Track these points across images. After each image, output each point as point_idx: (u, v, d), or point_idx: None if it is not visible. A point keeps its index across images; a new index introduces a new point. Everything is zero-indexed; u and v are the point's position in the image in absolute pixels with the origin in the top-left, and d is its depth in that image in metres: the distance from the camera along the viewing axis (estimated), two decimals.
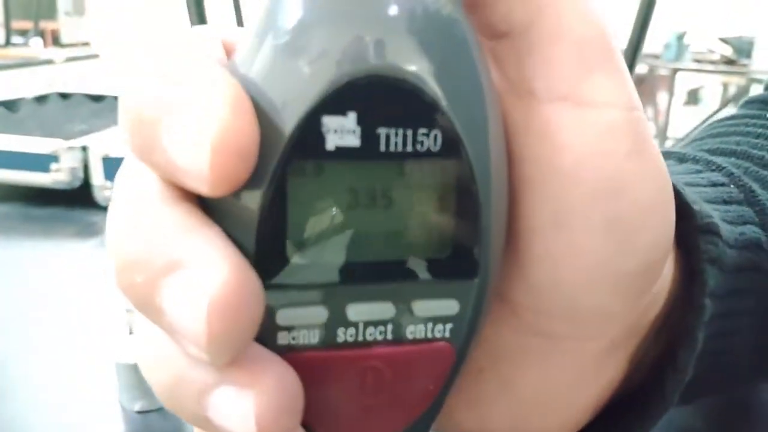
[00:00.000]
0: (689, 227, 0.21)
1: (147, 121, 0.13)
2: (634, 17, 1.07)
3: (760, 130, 0.33)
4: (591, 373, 0.19)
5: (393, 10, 0.13)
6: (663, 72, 4.06)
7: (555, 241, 0.16)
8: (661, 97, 4.14)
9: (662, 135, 3.83)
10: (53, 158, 0.68)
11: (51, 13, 4.77)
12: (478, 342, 0.16)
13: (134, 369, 0.35)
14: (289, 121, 0.12)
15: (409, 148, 0.13)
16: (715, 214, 0.22)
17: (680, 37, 3.91)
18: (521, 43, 0.15)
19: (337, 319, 0.14)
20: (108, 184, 0.68)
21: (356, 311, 0.14)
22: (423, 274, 0.14)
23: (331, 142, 0.13)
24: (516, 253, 0.16)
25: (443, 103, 0.13)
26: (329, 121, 0.13)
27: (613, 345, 0.19)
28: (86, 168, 0.69)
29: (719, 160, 0.30)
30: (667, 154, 0.29)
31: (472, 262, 0.15)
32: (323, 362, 0.14)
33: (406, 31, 0.13)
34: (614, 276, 0.16)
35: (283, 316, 0.14)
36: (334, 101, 0.12)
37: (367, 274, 0.14)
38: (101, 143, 0.69)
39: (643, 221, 0.16)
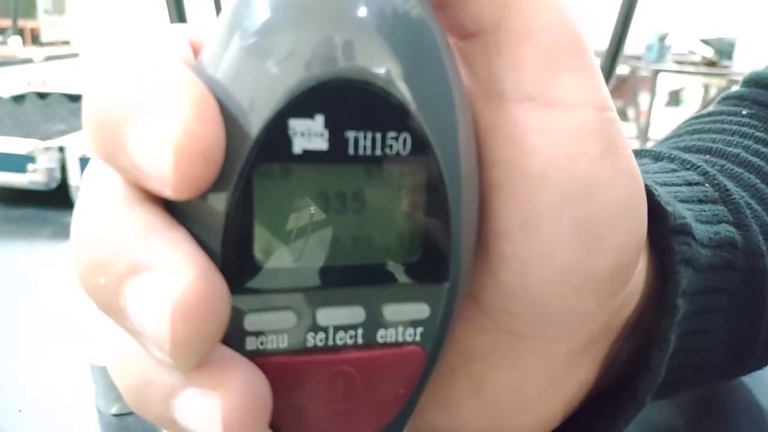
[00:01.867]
0: (662, 228, 0.20)
1: (110, 124, 0.12)
2: (615, 17, 1.07)
3: (735, 128, 0.34)
4: (563, 373, 0.19)
5: (362, 11, 0.12)
6: (644, 73, 4.09)
7: (524, 243, 0.15)
8: (643, 98, 4.18)
9: (644, 136, 3.87)
10: (30, 159, 0.67)
11: (30, 11, 4.72)
12: (449, 343, 0.16)
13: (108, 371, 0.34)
14: (255, 124, 0.12)
15: (378, 152, 0.13)
16: (689, 214, 0.22)
17: (662, 39, 3.95)
18: (490, 44, 0.15)
19: (306, 323, 0.14)
20: None
21: (326, 316, 0.14)
22: (393, 278, 0.14)
23: (299, 146, 0.12)
24: (486, 255, 0.16)
25: (412, 106, 0.13)
26: (296, 124, 0.12)
27: (584, 345, 0.19)
28: (63, 168, 0.68)
29: (695, 158, 0.30)
30: (642, 153, 0.29)
31: (443, 265, 0.14)
32: (292, 367, 0.14)
33: (374, 32, 0.12)
34: (584, 278, 0.16)
35: (251, 321, 0.13)
36: (302, 104, 0.12)
37: (337, 278, 0.14)
38: (78, 143, 0.68)
39: (614, 224, 0.16)
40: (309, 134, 0.12)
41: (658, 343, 0.20)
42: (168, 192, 0.12)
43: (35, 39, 4.75)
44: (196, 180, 0.12)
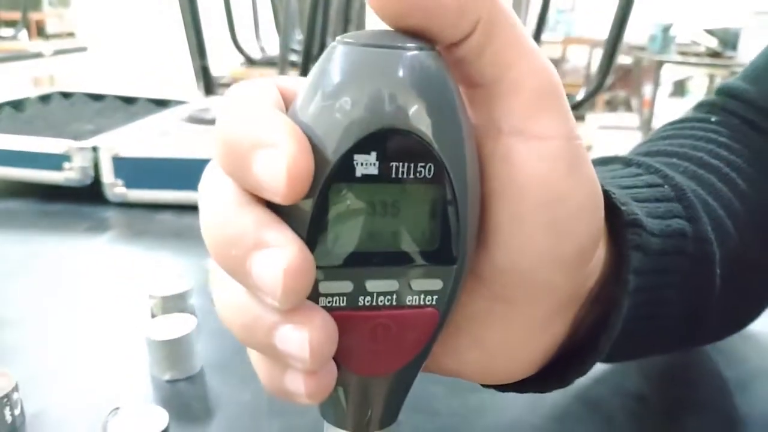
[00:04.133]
0: (617, 222, 0.26)
1: (239, 153, 0.18)
2: (615, 7, 1.10)
3: (701, 133, 0.39)
4: (541, 330, 0.25)
5: (402, 75, 0.18)
6: (648, 64, 4.10)
7: (512, 235, 0.21)
8: (647, 88, 4.19)
9: (647, 126, 3.88)
10: (66, 158, 0.71)
11: (35, 3, 4.75)
12: (456, 307, 0.22)
13: (164, 344, 0.39)
14: (333, 156, 0.18)
15: (411, 176, 0.19)
16: (644, 210, 0.28)
17: (666, 29, 3.95)
18: (491, 93, 0.20)
19: (359, 290, 0.19)
20: (118, 182, 0.72)
21: (372, 285, 0.20)
22: (418, 261, 0.20)
23: (359, 171, 0.18)
24: (485, 243, 0.22)
25: (435, 145, 0.18)
26: (358, 158, 0.18)
27: (557, 309, 0.25)
28: (96, 167, 0.73)
29: (662, 161, 0.35)
30: (615, 159, 0.34)
31: (452, 253, 0.20)
32: (349, 319, 0.20)
33: (410, 90, 0.18)
34: (556, 259, 0.22)
35: (323, 287, 0.19)
36: (363, 144, 0.18)
37: (380, 260, 0.19)
38: (111, 144, 0.73)
39: (578, 221, 0.21)
40: (366, 164, 0.18)
41: (614, 307, 0.26)
42: (277, 199, 0.17)
43: (40, 31, 4.78)
44: (297, 193, 0.17)
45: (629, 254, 0.26)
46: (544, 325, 0.25)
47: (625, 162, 0.33)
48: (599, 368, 0.41)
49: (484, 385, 0.28)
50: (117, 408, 0.34)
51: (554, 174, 0.20)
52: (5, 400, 0.35)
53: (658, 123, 3.99)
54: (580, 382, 0.39)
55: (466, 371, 0.25)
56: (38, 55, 3.50)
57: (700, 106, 0.43)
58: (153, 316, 0.46)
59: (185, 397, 0.38)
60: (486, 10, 0.18)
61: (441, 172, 0.19)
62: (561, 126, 0.20)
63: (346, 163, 0.18)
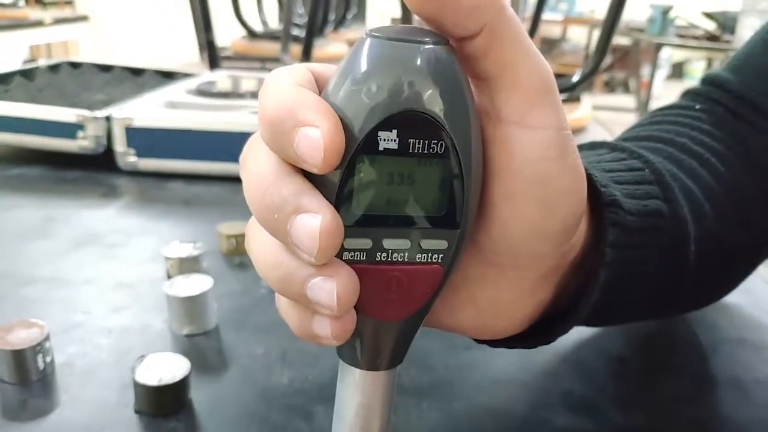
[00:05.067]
0: (598, 202, 0.30)
1: (282, 131, 0.21)
2: None
3: (686, 120, 0.42)
4: (528, 294, 0.28)
5: (420, 63, 0.21)
6: (647, 46, 4.10)
7: (506, 210, 0.24)
8: (646, 70, 4.19)
9: (644, 108, 3.90)
10: (80, 127, 0.73)
11: None
12: (457, 268, 0.24)
13: (183, 301, 0.41)
14: (360, 133, 0.21)
15: (425, 151, 0.21)
16: (622, 192, 0.31)
17: (665, 12, 3.93)
18: (494, 87, 0.23)
19: (377, 247, 0.22)
20: (130, 151, 0.74)
21: (388, 243, 0.22)
22: (427, 224, 0.23)
23: (381, 146, 0.21)
24: (483, 216, 0.25)
25: (446, 125, 0.21)
26: (382, 134, 0.21)
27: (543, 275, 0.28)
28: (109, 136, 0.75)
29: (647, 146, 0.39)
30: (603, 144, 0.37)
31: (457, 219, 0.23)
32: (368, 271, 0.23)
33: (426, 77, 0.21)
34: (543, 232, 0.25)
35: (346, 243, 0.22)
36: (385, 123, 0.21)
37: (396, 222, 0.22)
38: (123, 114, 0.75)
39: (563, 200, 0.25)
40: (388, 140, 0.21)
41: (592, 276, 0.29)
42: (315, 170, 0.20)
43: None
44: (332, 165, 0.20)
45: (607, 230, 0.29)
46: (531, 290, 0.28)
47: (611, 147, 0.37)
48: (584, 332, 0.45)
49: (477, 341, 0.31)
50: (143, 356, 0.37)
51: (545, 159, 0.23)
52: (38, 348, 0.38)
53: (655, 105, 4.00)
54: (567, 344, 0.43)
55: (461, 326, 0.29)
56: (38, 23, 3.49)
57: (687, 94, 0.46)
58: (169, 276, 0.49)
59: (203, 350, 0.42)
60: (492, 17, 0.21)
61: (450, 149, 0.22)
62: (553, 118, 0.23)
63: (371, 139, 0.21)
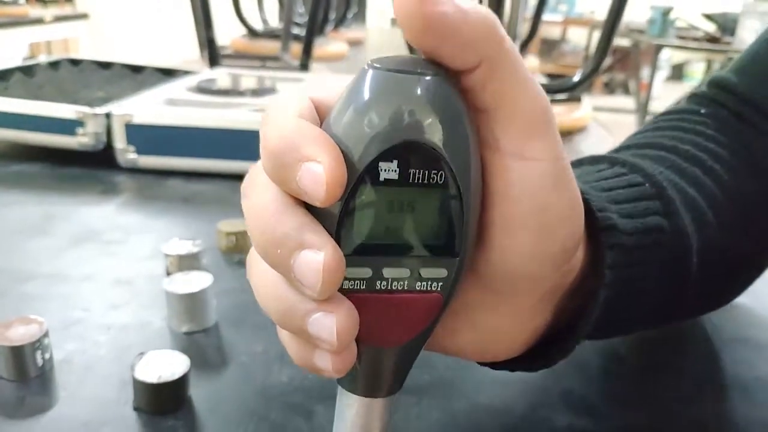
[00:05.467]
0: (595, 225, 0.30)
1: (285, 164, 0.21)
2: None
3: (690, 126, 0.42)
4: (528, 318, 0.29)
5: (422, 94, 0.21)
6: (647, 47, 4.09)
7: (505, 237, 0.24)
8: (646, 71, 4.19)
9: (644, 109, 3.90)
10: (79, 123, 0.73)
11: None
12: (457, 295, 0.24)
13: (182, 298, 0.41)
14: (361, 164, 0.21)
15: (425, 181, 0.22)
16: (619, 212, 0.31)
17: (665, 13, 3.93)
18: (492, 118, 0.23)
19: (377, 275, 0.23)
20: (129, 148, 0.74)
21: (388, 272, 0.23)
22: (427, 253, 0.23)
23: (382, 176, 0.21)
24: (482, 243, 0.25)
25: (446, 156, 0.21)
26: (382, 165, 0.21)
27: (542, 300, 0.28)
28: (109, 133, 0.75)
29: (651, 153, 0.39)
30: (603, 158, 0.37)
31: (456, 248, 0.23)
32: (367, 300, 0.23)
33: (428, 109, 0.21)
34: (541, 257, 0.25)
35: (347, 272, 0.22)
36: (386, 154, 0.21)
37: (396, 250, 0.22)
38: (123, 111, 0.75)
39: (561, 226, 0.25)
40: (388, 170, 0.21)
41: (591, 298, 0.30)
42: (317, 203, 0.21)
43: None
44: (334, 199, 0.20)
45: (605, 253, 0.30)
46: (531, 313, 0.29)
47: (611, 161, 0.37)
48: None
49: (480, 363, 0.32)
50: (142, 353, 0.37)
51: (542, 189, 0.24)
52: (37, 344, 0.38)
53: (654, 106, 4.00)
54: None
55: (463, 351, 0.29)
56: (39, 21, 3.48)
57: (692, 97, 0.45)
58: (168, 273, 0.49)
59: (202, 347, 0.42)
60: (490, 50, 0.21)
61: (450, 179, 0.22)
62: (550, 149, 0.24)
63: (372, 169, 0.21)
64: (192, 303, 0.42)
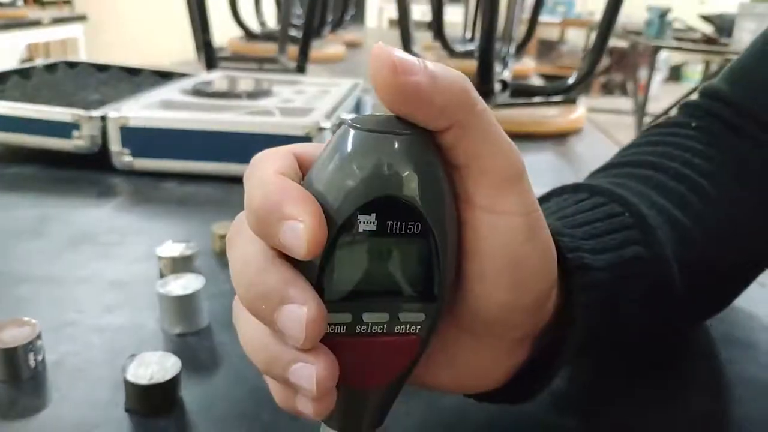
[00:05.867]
0: (567, 267, 0.30)
1: (268, 223, 0.22)
2: None
3: (680, 140, 0.42)
4: (504, 356, 0.30)
5: (400, 153, 0.22)
6: (644, 48, 4.10)
7: (479, 288, 0.26)
8: (643, 72, 4.20)
9: (641, 110, 3.90)
10: (75, 126, 0.73)
11: None
12: (435, 336, 0.25)
13: (175, 300, 0.41)
14: (340, 217, 0.22)
15: (403, 231, 0.23)
16: (593, 247, 0.32)
17: (662, 15, 3.94)
18: (464, 174, 0.24)
19: (357, 320, 0.23)
20: (125, 150, 0.74)
21: (368, 317, 0.24)
22: (406, 298, 0.24)
23: (361, 227, 0.22)
24: (459, 288, 0.26)
25: (423, 209, 0.22)
26: (361, 217, 0.22)
27: (518, 340, 0.29)
28: (104, 135, 0.75)
29: (638, 173, 0.39)
30: (582, 188, 0.38)
31: (434, 293, 0.24)
32: (347, 344, 0.24)
33: (403, 168, 0.22)
34: (515, 305, 0.26)
35: (328, 318, 0.22)
36: (365, 207, 0.22)
37: (375, 297, 0.23)
38: (119, 113, 0.75)
39: (533, 278, 0.26)
40: (367, 222, 0.22)
41: (564, 341, 0.30)
42: (299, 257, 0.22)
43: None
44: (315, 253, 0.21)
45: (577, 293, 0.30)
46: (507, 352, 0.30)
47: (591, 191, 0.37)
48: None
49: (464, 395, 0.33)
50: (134, 354, 0.37)
51: (514, 242, 0.25)
52: (29, 346, 0.38)
53: (652, 107, 4.01)
54: None
55: (442, 386, 0.30)
56: (36, 23, 3.49)
57: (685, 108, 0.45)
58: (162, 275, 0.50)
59: (194, 349, 0.42)
60: (461, 115, 0.23)
61: (426, 230, 0.23)
62: (521, 203, 0.24)
63: (351, 222, 0.22)
64: (184, 305, 0.42)
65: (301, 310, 0.22)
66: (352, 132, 0.23)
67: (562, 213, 0.35)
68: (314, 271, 0.23)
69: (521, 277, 0.25)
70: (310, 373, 0.22)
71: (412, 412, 0.37)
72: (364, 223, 0.22)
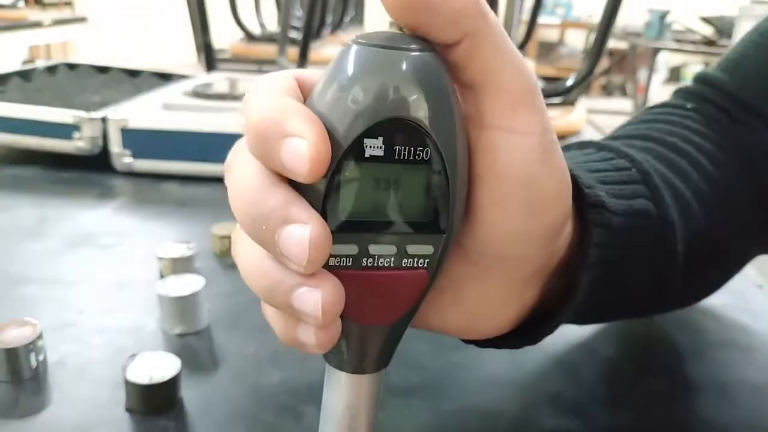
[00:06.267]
0: (583, 203, 0.30)
1: (268, 141, 0.21)
2: None
3: (677, 119, 0.42)
4: (515, 294, 0.29)
5: (407, 70, 0.21)
6: (644, 50, 4.10)
7: (492, 213, 0.24)
8: (643, 74, 4.20)
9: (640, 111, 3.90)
10: (76, 128, 0.73)
11: None
12: (443, 271, 0.24)
13: (175, 301, 0.42)
14: (346, 141, 0.21)
15: (411, 157, 0.21)
16: (608, 192, 0.31)
17: (662, 17, 3.94)
18: (477, 93, 0.23)
19: (363, 252, 0.22)
20: (125, 152, 0.74)
21: (374, 249, 0.22)
22: (413, 229, 0.23)
23: (367, 152, 0.21)
24: (469, 219, 0.25)
25: (432, 132, 0.21)
26: (367, 141, 0.21)
27: (529, 277, 0.28)
28: (105, 137, 0.75)
29: (638, 144, 0.39)
30: (590, 144, 0.37)
31: (442, 224, 0.23)
32: (353, 277, 0.22)
33: (413, 85, 0.21)
34: (528, 234, 0.25)
35: (333, 249, 0.22)
36: (371, 130, 0.21)
37: (382, 227, 0.22)
38: (119, 115, 0.75)
39: (548, 203, 0.25)
40: (373, 146, 0.21)
41: (577, 275, 0.30)
42: (301, 179, 0.20)
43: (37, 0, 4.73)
44: (318, 175, 0.20)
45: (592, 231, 0.29)
46: (518, 291, 0.29)
47: (598, 147, 0.37)
48: (574, 334, 0.45)
49: (464, 341, 0.32)
50: (134, 354, 0.37)
51: (529, 163, 0.24)
52: (31, 346, 0.38)
53: None
54: (556, 345, 0.44)
55: (448, 327, 0.29)
56: (37, 24, 3.49)
57: (679, 92, 0.46)
58: (162, 276, 0.50)
59: (194, 349, 0.42)
60: (473, 24, 0.22)
61: (436, 156, 0.22)
62: (536, 123, 0.24)
63: (356, 146, 0.21)
64: (184, 305, 0.43)
65: (304, 229, 0.20)
66: (356, 48, 0.21)
67: (572, 161, 0.33)
68: (318, 198, 0.21)
69: (535, 202, 0.24)
70: (315, 298, 0.21)
71: (413, 417, 0.37)
72: (370, 147, 0.21)
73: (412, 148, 0.22)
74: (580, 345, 0.45)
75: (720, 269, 0.42)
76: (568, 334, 0.45)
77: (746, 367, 0.43)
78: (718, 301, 0.47)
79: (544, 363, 0.42)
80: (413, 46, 0.21)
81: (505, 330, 0.30)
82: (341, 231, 0.22)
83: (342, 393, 0.26)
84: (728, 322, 0.49)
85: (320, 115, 0.21)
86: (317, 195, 0.21)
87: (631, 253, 0.32)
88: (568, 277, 0.30)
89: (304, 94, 0.23)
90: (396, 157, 0.21)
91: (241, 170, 0.23)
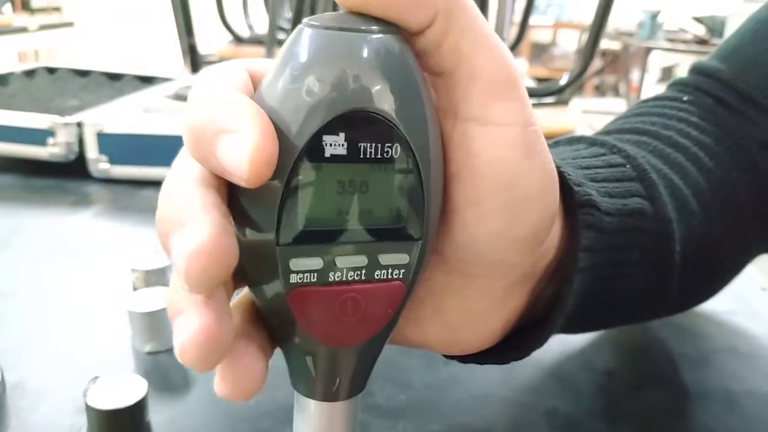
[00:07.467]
0: (572, 202, 0.27)
1: (205, 139, 0.18)
2: None
3: (673, 112, 0.40)
4: (499, 302, 0.26)
5: (369, 58, 0.18)
6: (637, 50, 4.11)
7: (469, 215, 0.22)
8: (635, 74, 4.20)
9: None
10: (50, 133, 0.71)
11: None
12: (420, 281, 0.22)
13: (145, 316, 0.39)
14: (301, 139, 0.18)
15: (378, 156, 0.19)
16: (600, 190, 0.28)
17: (654, 16, 3.95)
18: (449, 82, 0.21)
19: (329, 266, 0.20)
20: (102, 158, 0.72)
21: (342, 261, 0.20)
22: (385, 237, 0.20)
23: (328, 152, 0.18)
24: (446, 222, 0.22)
25: (400, 126, 0.19)
26: (327, 138, 0.18)
27: (514, 284, 0.26)
28: (81, 142, 0.73)
29: (633, 138, 0.36)
30: (581, 139, 0.35)
31: (417, 230, 0.20)
32: (319, 294, 0.20)
33: (377, 74, 0.18)
34: (511, 239, 0.23)
35: (294, 264, 0.19)
36: (331, 126, 0.18)
37: (350, 236, 0.20)
38: (95, 120, 0.72)
39: (532, 204, 0.22)
40: (335, 144, 0.18)
41: (566, 284, 0.27)
42: (242, 183, 0.18)
43: (25, 5, 4.70)
44: (261, 177, 0.17)
45: (581, 233, 0.27)
46: (502, 299, 0.26)
47: (590, 142, 0.34)
48: (569, 345, 0.43)
49: (446, 356, 0.29)
50: (96, 377, 0.34)
51: (509, 159, 0.21)
52: None
53: None
54: (551, 358, 0.41)
55: (429, 342, 0.26)
56: (23, 29, 3.46)
57: (674, 85, 0.44)
58: (135, 289, 0.47)
59: (165, 368, 0.39)
60: (444, 4, 0.19)
61: (406, 153, 0.19)
62: (517, 113, 0.21)
63: (315, 144, 0.18)
64: (155, 321, 0.40)
65: (194, 230, 0.17)
66: (309, 32, 0.19)
67: (560, 158, 0.31)
68: (274, 206, 0.19)
69: (517, 200, 0.22)
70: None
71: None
72: (330, 145, 0.18)
73: (379, 145, 0.19)
74: (577, 357, 0.42)
75: (718, 270, 0.40)
76: (563, 346, 0.42)
77: (749, 375, 0.41)
78: (720, 306, 0.45)
79: (538, 377, 0.40)
80: (374, 27, 0.19)
81: (491, 343, 0.27)
82: (302, 243, 0.19)
83: (312, 424, 0.23)
84: (730, 327, 0.46)
85: (270, 110, 0.18)
86: (273, 201, 0.19)
87: (626, 256, 0.29)
88: (557, 283, 0.27)
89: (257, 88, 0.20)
90: (361, 156, 0.19)
91: (175, 172, 0.20)
